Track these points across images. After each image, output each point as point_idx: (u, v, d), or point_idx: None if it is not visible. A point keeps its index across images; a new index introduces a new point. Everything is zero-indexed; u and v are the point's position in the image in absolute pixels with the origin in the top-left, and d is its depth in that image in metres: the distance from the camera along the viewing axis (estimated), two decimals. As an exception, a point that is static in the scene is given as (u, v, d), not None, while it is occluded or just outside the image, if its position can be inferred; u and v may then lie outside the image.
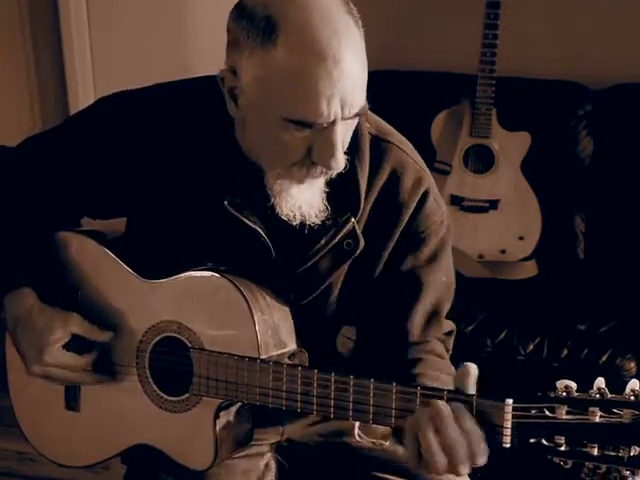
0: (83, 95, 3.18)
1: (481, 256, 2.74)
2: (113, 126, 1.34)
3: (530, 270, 2.73)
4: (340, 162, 1.20)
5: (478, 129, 2.73)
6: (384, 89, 2.79)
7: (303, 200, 1.25)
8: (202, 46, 3.20)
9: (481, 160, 2.76)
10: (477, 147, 2.75)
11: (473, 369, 1.15)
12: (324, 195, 1.27)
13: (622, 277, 2.67)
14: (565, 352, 2.39)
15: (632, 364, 2.35)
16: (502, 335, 2.45)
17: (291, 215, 1.27)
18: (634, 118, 2.71)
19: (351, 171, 1.29)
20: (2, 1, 3.08)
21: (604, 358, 2.36)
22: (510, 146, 2.74)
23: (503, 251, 2.74)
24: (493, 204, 2.75)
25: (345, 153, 1.23)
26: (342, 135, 1.19)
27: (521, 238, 2.73)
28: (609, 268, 2.72)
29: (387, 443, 1.47)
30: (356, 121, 1.23)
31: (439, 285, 1.38)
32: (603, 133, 2.77)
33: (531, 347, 2.42)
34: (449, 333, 1.45)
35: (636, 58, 2.85)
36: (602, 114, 2.77)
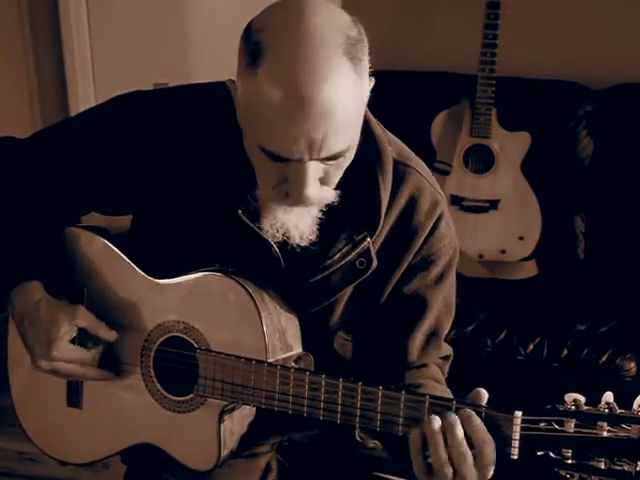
0: (83, 95, 3.19)
1: (481, 256, 2.74)
2: (127, 125, 1.33)
3: (530, 270, 2.73)
4: (311, 198, 1.17)
5: (478, 129, 2.73)
6: (384, 89, 2.79)
7: (289, 221, 1.24)
8: (202, 46, 3.20)
9: (481, 160, 2.76)
10: (477, 147, 2.75)
11: (485, 395, 1.15)
12: (317, 220, 1.25)
13: (622, 277, 2.67)
14: (565, 352, 2.39)
15: (632, 364, 2.36)
16: (502, 335, 2.45)
17: (270, 234, 1.26)
18: (634, 118, 2.72)
19: (374, 191, 1.28)
20: (2, 1, 3.08)
21: (604, 358, 2.36)
22: (510, 146, 2.74)
23: (503, 251, 2.74)
24: (493, 204, 2.75)
25: (359, 174, 1.23)
26: (316, 172, 1.16)
27: (521, 238, 2.73)
28: (609, 268, 2.72)
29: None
30: (346, 160, 1.19)
31: (440, 306, 1.39)
32: (603, 133, 2.77)
33: (531, 347, 2.42)
34: (446, 357, 1.45)
35: (636, 58, 2.85)
36: (602, 114, 2.77)
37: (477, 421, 1.12)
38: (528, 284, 2.70)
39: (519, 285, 2.69)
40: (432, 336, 1.39)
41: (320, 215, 1.25)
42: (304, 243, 1.26)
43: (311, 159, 1.13)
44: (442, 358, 1.44)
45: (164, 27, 3.15)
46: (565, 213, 2.79)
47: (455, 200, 2.76)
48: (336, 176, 1.20)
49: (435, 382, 1.38)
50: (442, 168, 2.76)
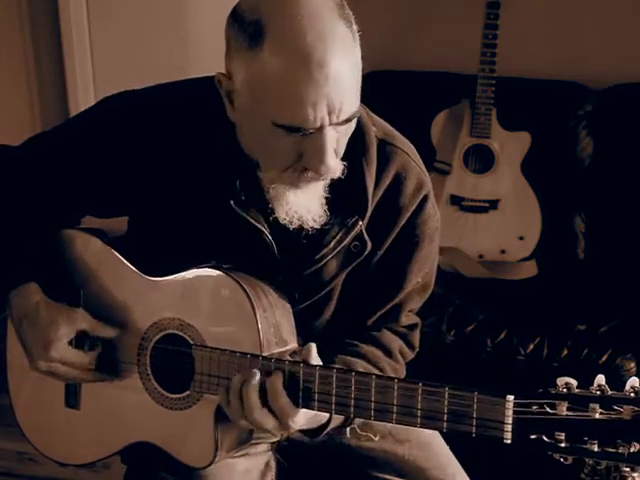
0: (83, 95, 3.18)
1: (481, 256, 2.74)
2: (117, 125, 1.34)
3: (530, 270, 2.72)
4: (331, 168, 1.19)
5: (478, 129, 2.73)
6: (384, 89, 2.80)
7: (300, 205, 1.25)
8: (202, 46, 3.20)
9: (481, 160, 2.76)
10: (477, 147, 2.75)
11: (313, 348, 1.23)
12: (324, 200, 1.27)
13: (622, 277, 2.67)
14: (565, 352, 2.39)
15: (632, 364, 2.35)
16: (502, 335, 2.45)
17: (287, 220, 1.27)
18: (634, 118, 2.71)
19: (359, 174, 1.30)
20: (2, 1, 3.08)
21: (604, 358, 2.36)
22: (510, 146, 2.74)
23: (503, 251, 2.74)
24: (493, 204, 2.75)
25: (344, 159, 1.23)
26: (333, 140, 1.18)
27: (521, 238, 2.73)
28: (609, 268, 2.72)
29: (376, 438, 1.49)
30: (351, 126, 1.21)
31: (416, 285, 1.41)
32: (603, 133, 2.77)
33: (531, 347, 2.41)
34: (413, 326, 1.47)
35: (636, 58, 2.85)
36: (602, 114, 2.77)
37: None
38: (528, 284, 2.69)
39: (519, 285, 2.69)
40: (395, 307, 1.41)
41: (326, 194, 1.27)
42: (317, 225, 1.28)
43: (331, 123, 1.15)
44: (407, 327, 1.46)
45: (164, 27, 3.15)
46: (565, 213, 2.78)
47: (455, 200, 2.76)
48: (343, 144, 1.23)
49: (376, 348, 1.40)
50: (442, 168, 2.76)
